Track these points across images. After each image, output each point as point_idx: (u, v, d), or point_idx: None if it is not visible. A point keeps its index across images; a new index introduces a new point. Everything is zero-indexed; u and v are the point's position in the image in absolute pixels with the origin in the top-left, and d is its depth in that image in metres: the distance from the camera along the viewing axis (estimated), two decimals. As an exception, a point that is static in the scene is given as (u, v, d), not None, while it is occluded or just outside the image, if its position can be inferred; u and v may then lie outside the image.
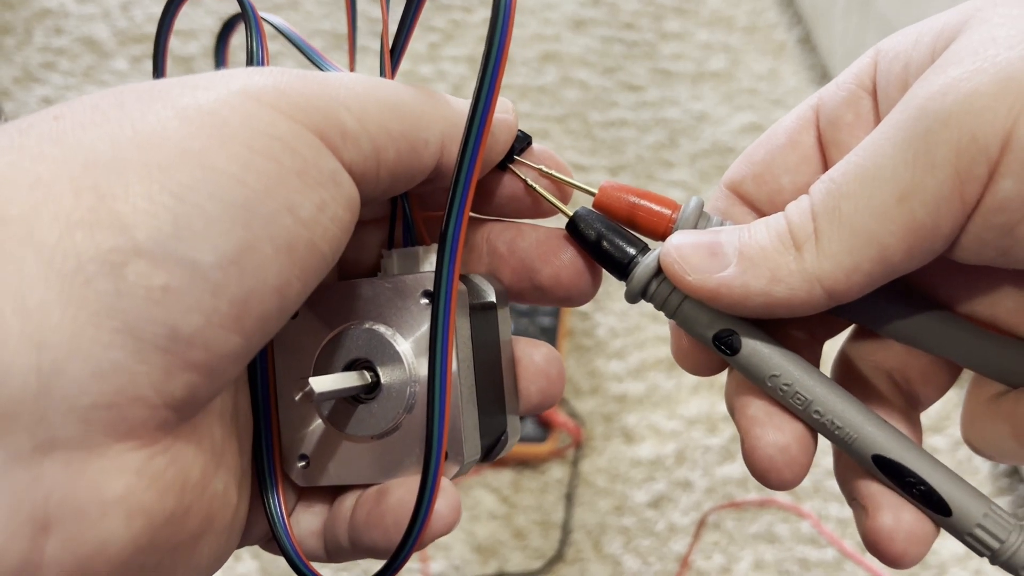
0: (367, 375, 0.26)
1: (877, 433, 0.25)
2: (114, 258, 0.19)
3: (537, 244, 0.28)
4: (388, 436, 0.27)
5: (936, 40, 0.24)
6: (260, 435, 0.27)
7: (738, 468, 0.68)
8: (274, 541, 0.27)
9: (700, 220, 0.27)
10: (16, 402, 0.18)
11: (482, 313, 0.28)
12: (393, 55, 0.27)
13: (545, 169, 0.28)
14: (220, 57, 0.30)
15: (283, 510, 0.27)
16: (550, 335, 0.72)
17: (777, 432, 0.26)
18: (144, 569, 0.21)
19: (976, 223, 0.22)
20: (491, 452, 0.28)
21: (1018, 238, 0.22)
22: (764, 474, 0.26)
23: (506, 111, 0.27)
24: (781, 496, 0.66)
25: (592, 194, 0.28)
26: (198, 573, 0.24)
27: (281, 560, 0.27)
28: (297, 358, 0.28)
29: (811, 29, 0.90)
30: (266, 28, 0.27)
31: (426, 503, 0.25)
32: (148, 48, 0.91)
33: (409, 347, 0.26)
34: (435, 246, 0.27)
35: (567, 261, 0.28)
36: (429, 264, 0.27)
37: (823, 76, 0.89)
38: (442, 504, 0.25)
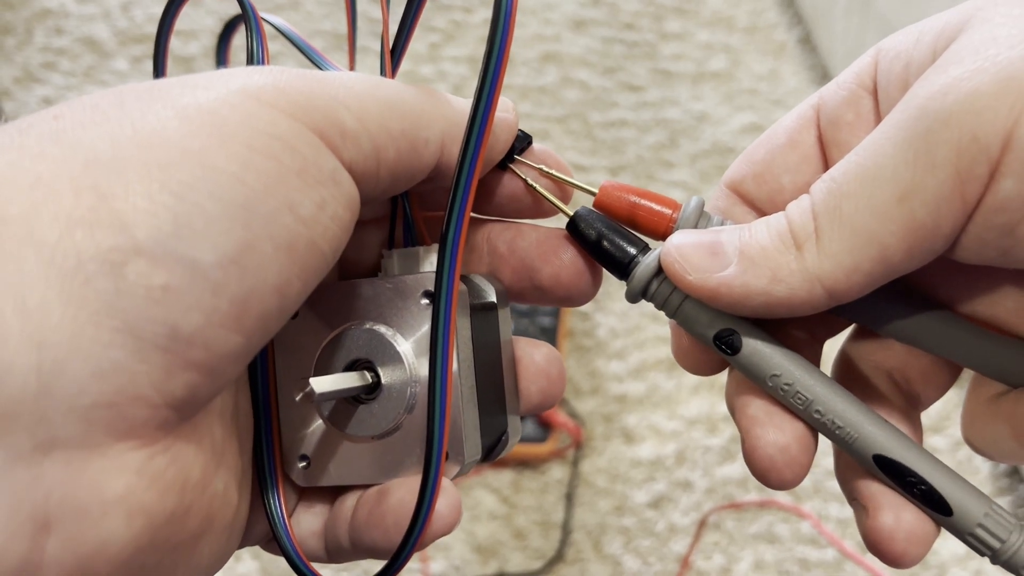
0: (368, 375, 0.26)
1: (878, 433, 0.25)
2: (114, 257, 0.19)
3: (537, 244, 0.28)
4: (389, 436, 0.27)
5: (937, 39, 0.24)
6: (260, 435, 0.27)
7: (738, 468, 0.68)
8: (274, 541, 0.27)
9: (700, 220, 0.27)
10: (16, 402, 0.18)
11: (483, 313, 0.28)
12: (393, 55, 0.27)
13: (545, 169, 0.28)
14: (221, 57, 0.30)
15: (283, 510, 0.27)
16: (550, 335, 0.72)
17: (777, 432, 0.26)
18: (144, 569, 0.21)
19: (977, 223, 0.22)
20: (492, 452, 0.28)
21: (1019, 238, 0.22)
22: (764, 474, 0.26)
23: (507, 110, 0.27)
24: (781, 496, 0.66)
25: (592, 194, 0.28)
26: (198, 573, 0.24)
27: (281, 560, 0.27)
28: (297, 358, 0.28)
29: (811, 29, 0.90)
30: (266, 28, 0.27)
31: (427, 503, 0.25)
32: (149, 48, 0.91)
33: (410, 347, 0.26)
34: (435, 246, 0.27)
35: (567, 261, 0.28)
36: (430, 264, 0.27)
37: (823, 76, 0.89)
38: (443, 504, 0.25)
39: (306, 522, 0.28)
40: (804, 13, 0.92)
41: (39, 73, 0.90)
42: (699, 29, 0.93)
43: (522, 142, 0.28)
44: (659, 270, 0.26)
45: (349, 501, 0.27)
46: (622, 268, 0.27)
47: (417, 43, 0.91)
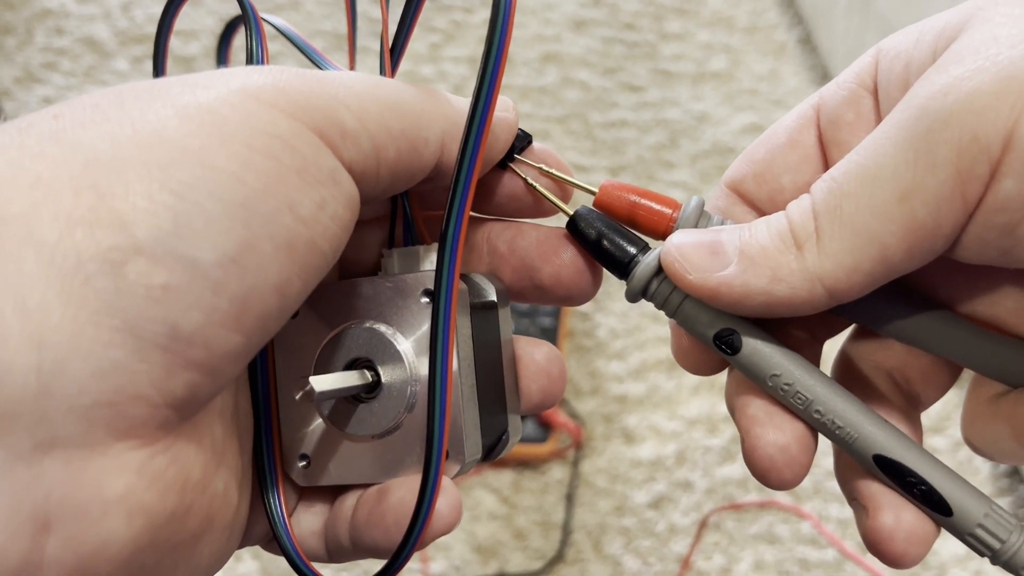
0: (368, 374, 0.26)
1: (878, 433, 0.25)
2: (114, 256, 0.19)
3: (537, 243, 0.28)
4: (389, 435, 0.27)
5: (937, 39, 0.24)
6: (260, 434, 0.27)
7: (739, 469, 0.68)
8: (275, 541, 0.27)
9: (701, 219, 0.27)
10: (16, 401, 0.18)
11: (483, 312, 0.28)
12: (393, 54, 0.27)
13: (545, 168, 0.28)
14: (221, 57, 0.30)
15: (283, 510, 0.27)
16: (551, 335, 0.72)
17: (777, 432, 0.26)
18: (145, 568, 0.21)
19: (977, 223, 0.22)
20: (492, 451, 0.28)
21: (1019, 238, 0.22)
22: (764, 474, 0.26)
23: (506, 109, 0.27)
24: (782, 497, 0.66)
25: (593, 193, 0.28)
26: (199, 573, 0.24)
27: (282, 560, 0.27)
28: (297, 357, 0.28)
29: (812, 30, 0.90)
30: (267, 29, 0.27)
31: (427, 502, 0.25)
32: (149, 48, 0.91)
33: (410, 346, 0.26)
34: (435, 245, 0.27)
35: (567, 260, 0.28)
36: (429, 263, 0.27)
37: (824, 77, 0.89)
38: (443, 503, 0.25)
39: (306, 522, 0.28)
40: (804, 13, 0.92)
41: (40, 73, 0.90)
42: (699, 29, 0.93)
43: (522, 141, 0.28)
44: (659, 269, 0.26)
45: (349, 500, 0.27)
46: (622, 267, 0.27)
47: (418, 43, 0.91)
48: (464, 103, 0.26)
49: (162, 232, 0.20)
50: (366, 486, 0.27)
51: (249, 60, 0.26)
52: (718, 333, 0.26)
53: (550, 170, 0.28)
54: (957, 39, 0.23)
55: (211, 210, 0.20)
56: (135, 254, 0.19)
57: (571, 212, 0.28)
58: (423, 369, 0.26)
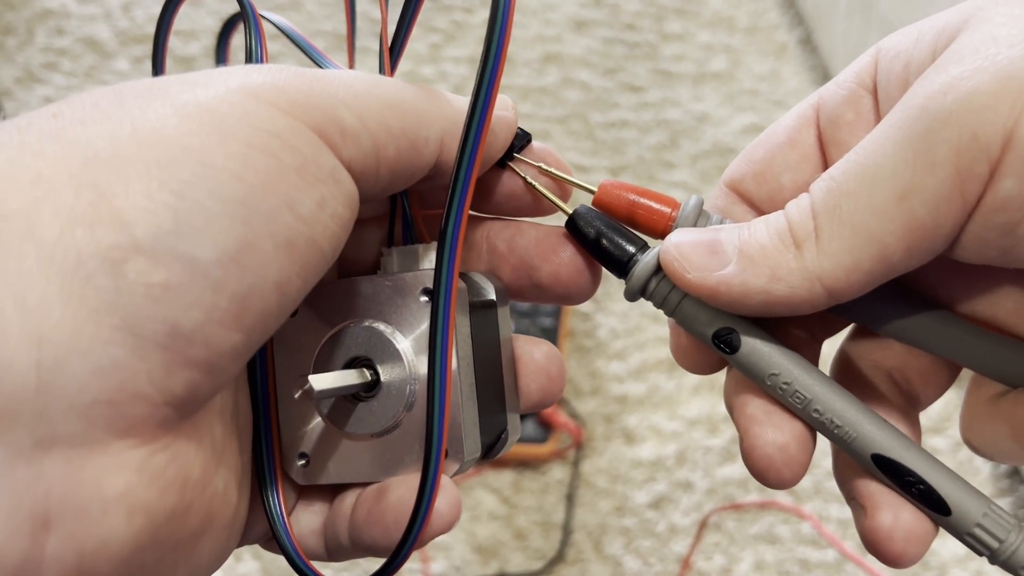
0: (367, 373, 0.26)
1: (876, 432, 0.25)
2: (114, 255, 0.19)
3: (536, 242, 0.28)
4: (388, 434, 0.27)
5: (937, 39, 0.24)
6: (260, 433, 0.27)
7: (739, 469, 0.68)
8: (274, 540, 0.27)
9: (700, 218, 0.27)
10: (16, 399, 0.18)
11: (482, 311, 0.28)
12: (392, 53, 0.27)
13: (545, 167, 0.28)
14: (221, 56, 0.30)
15: (283, 509, 0.27)
16: (551, 336, 0.72)
17: (776, 431, 0.26)
18: (144, 567, 0.21)
19: (977, 222, 0.22)
20: (491, 450, 0.28)
21: (1019, 237, 0.22)
22: (763, 473, 0.26)
23: (505, 108, 0.27)
24: (782, 497, 0.66)
25: (592, 192, 0.28)
26: (198, 571, 0.24)
27: (283, 560, 0.27)
28: (297, 356, 0.28)
29: (812, 30, 0.90)
30: (266, 27, 0.27)
31: (426, 501, 0.25)
32: (149, 48, 0.91)
33: (409, 345, 0.26)
34: (435, 244, 0.27)
35: (566, 259, 0.28)
36: (429, 262, 0.27)
37: (824, 77, 0.89)
38: (442, 502, 0.25)
39: (305, 520, 0.28)
40: (805, 14, 0.92)
41: (40, 73, 0.90)
42: (700, 30, 0.93)
43: (521, 140, 0.28)
44: (658, 268, 0.26)
45: (348, 499, 0.27)
46: (621, 266, 0.27)
47: (418, 43, 0.91)
48: (464, 102, 0.26)
49: (162, 230, 0.20)
50: (365, 485, 0.27)
51: (248, 59, 0.26)
52: (717, 332, 0.26)
53: (549, 169, 0.28)
54: (956, 39, 0.23)
55: (211, 208, 0.20)
56: (135, 252, 0.19)
57: (570, 211, 0.28)
58: (422, 368, 0.26)
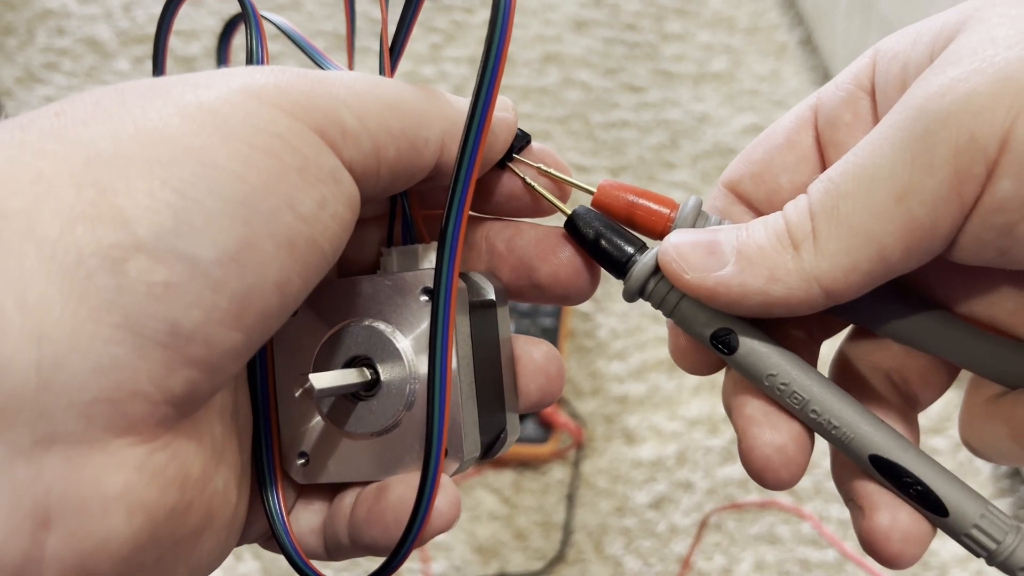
0: (367, 372, 0.26)
1: (874, 433, 0.25)
2: (115, 253, 0.19)
3: (536, 242, 0.28)
4: (388, 433, 0.27)
5: (935, 40, 0.24)
6: (260, 432, 0.27)
7: (739, 469, 0.68)
8: (274, 539, 0.27)
9: (698, 219, 0.27)
10: (16, 397, 0.18)
11: (481, 311, 0.28)
12: (392, 53, 0.27)
13: (544, 167, 0.28)
14: (222, 56, 0.31)
15: (282, 508, 0.27)
16: (551, 336, 0.72)
17: (774, 432, 0.26)
18: (144, 565, 0.21)
19: (974, 223, 0.22)
20: (491, 449, 0.28)
21: (1017, 238, 0.22)
22: (761, 474, 0.26)
23: (505, 109, 0.27)
24: (782, 497, 0.66)
25: (591, 193, 0.28)
26: (198, 570, 0.24)
27: (282, 560, 0.27)
28: (297, 356, 0.28)
29: (813, 30, 0.90)
30: (267, 28, 0.27)
31: (426, 500, 0.25)
32: (150, 49, 0.91)
33: (409, 344, 0.26)
34: (434, 244, 0.27)
35: (566, 259, 0.28)
36: (428, 262, 0.27)
37: (824, 77, 0.89)
38: (442, 501, 0.25)
39: (305, 519, 0.28)
40: (805, 14, 0.92)
41: (41, 73, 0.90)
42: (700, 30, 0.93)
43: (521, 141, 0.28)
44: (656, 269, 0.26)
45: (348, 498, 0.27)
46: (620, 267, 0.27)
47: (418, 44, 0.91)
48: (464, 103, 0.26)
49: (163, 230, 0.20)
50: (365, 484, 0.27)
51: (249, 59, 0.27)
52: (715, 333, 0.26)
53: (549, 170, 0.28)
54: (954, 40, 0.23)
55: (212, 208, 0.20)
56: (136, 251, 0.19)
57: (569, 212, 0.28)
58: (422, 367, 0.26)
